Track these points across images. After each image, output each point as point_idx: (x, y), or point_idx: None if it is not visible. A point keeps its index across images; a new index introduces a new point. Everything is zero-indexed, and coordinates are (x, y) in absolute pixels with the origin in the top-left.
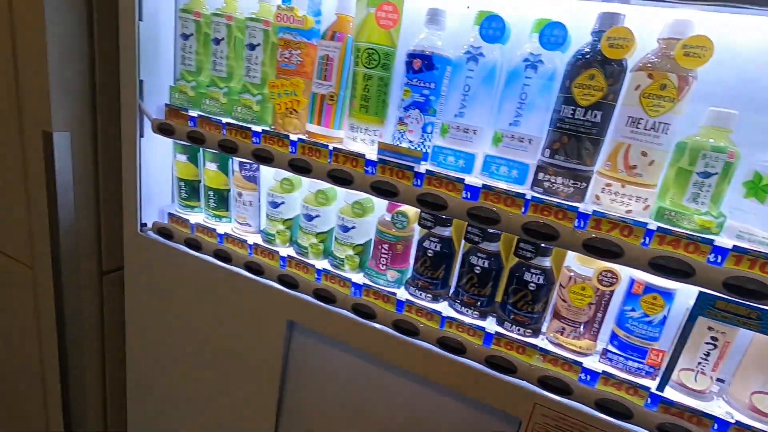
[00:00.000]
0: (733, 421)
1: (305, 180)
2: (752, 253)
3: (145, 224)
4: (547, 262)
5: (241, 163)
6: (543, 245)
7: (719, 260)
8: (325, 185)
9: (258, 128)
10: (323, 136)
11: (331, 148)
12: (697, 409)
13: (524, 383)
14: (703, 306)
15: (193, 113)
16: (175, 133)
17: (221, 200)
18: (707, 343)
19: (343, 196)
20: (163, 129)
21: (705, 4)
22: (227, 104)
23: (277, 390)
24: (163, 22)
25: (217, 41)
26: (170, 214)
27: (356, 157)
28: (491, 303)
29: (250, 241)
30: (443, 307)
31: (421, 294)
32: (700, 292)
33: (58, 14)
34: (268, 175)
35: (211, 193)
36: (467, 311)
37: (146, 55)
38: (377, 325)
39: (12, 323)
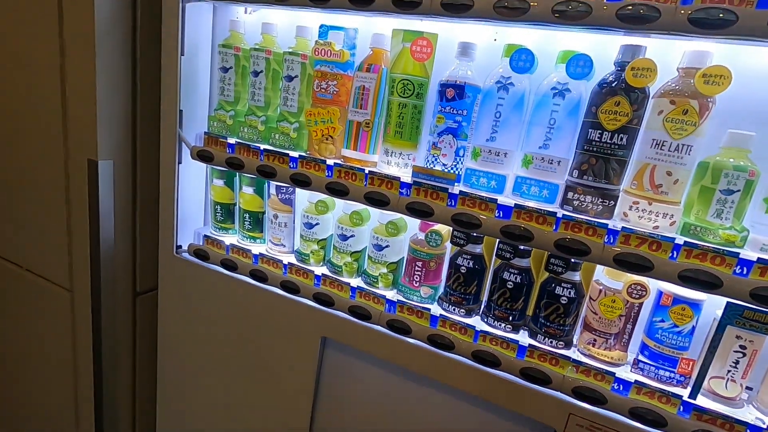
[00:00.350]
0: (764, 426)
1: (339, 201)
2: None
3: (180, 246)
4: (576, 277)
5: (277, 187)
6: (573, 260)
7: (745, 272)
8: (358, 206)
9: (295, 154)
10: (358, 160)
11: (366, 171)
12: (729, 415)
13: (558, 394)
14: (731, 316)
15: (231, 140)
16: (214, 160)
17: (256, 222)
18: (736, 352)
19: (377, 216)
20: (202, 156)
21: (719, 37)
22: (265, 131)
23: (310, 405)
24: (201, 56)
25: (256, 73)
26: (206, 236)
27: (391, 180)
28: (523, 317)
29: (285, 261)
30: (476, 322)
31: (454, 309)
32: (728, 303)
33: (107, 51)
34: (303, 197)
35: (246, 215)
36: (500, 325)
37: (186, 86)
38: (412, 340)
39: (49, 344)
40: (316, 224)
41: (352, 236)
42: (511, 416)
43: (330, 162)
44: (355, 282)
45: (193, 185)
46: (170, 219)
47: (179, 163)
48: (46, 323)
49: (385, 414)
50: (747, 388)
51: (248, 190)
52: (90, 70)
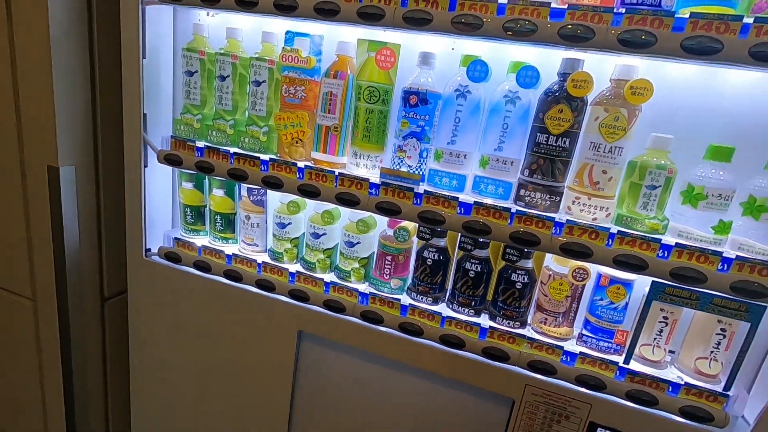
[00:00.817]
0: (683, 383)
1: (310, 201)
2: (690, 248)
3: (150, 249)
4: (529, 264)
5: (249, 189)
6: (526, 250)
7: (666, 255)
8: (329, 206)
9: (265, 157)
10: (328, 162)
11: (337, 173)
12: (656, 376)
13: (516, 368)
14: (656, 292)
15: (200, 144)
16: (183, 163)
17: (228, 223)
18: (660, 322)
19: (348, 214)
20: (170, 159)
21: (643, 55)
22: (234, 135)
23: (289, 398)
24: (163, 59)
25: (223, 78)
26: (176, 239)
27: (361, 181)
28: (484, 302)
29: (259, 260)
30: (442, 308)
31: (422, 298)
32: (653, 281)
33: (64, 52)
34: (274, 197)
35: (218, 217)
36: (464, 310)
37: (148, 89)
38: (384, 329)
39: (13, 356)
40: (289, 224)
41: (324, 234)
42: (476, 391)
43: (301, 164)
44: (329, 277)
45: (160, 188)
46: (138, 222)
47: (145, 166)
48: (9, 335)
49: (361, 400)
50: (670, 351)
51: (219, 193)
52: (46, 74)
